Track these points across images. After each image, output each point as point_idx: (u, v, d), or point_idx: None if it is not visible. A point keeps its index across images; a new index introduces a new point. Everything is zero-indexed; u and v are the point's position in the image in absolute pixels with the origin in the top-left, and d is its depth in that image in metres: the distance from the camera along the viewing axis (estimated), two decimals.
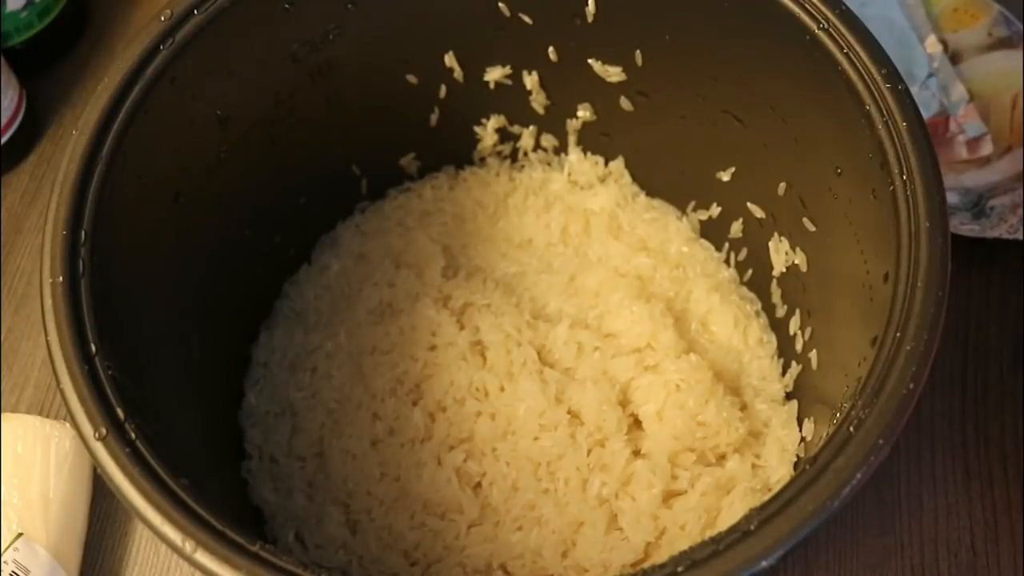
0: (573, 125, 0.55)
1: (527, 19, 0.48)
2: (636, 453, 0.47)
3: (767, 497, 0.32)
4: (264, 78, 0.46)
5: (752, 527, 0.30)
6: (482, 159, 0.58)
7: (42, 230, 0.36)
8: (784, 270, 0.49)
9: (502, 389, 0.48)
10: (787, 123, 0.44)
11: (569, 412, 0.47)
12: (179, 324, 0.44)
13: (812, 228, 0.45)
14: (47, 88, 0.66)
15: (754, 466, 0.47)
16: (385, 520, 0.46)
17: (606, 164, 0.56)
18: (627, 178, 0.56)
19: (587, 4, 0.47)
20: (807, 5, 0.39)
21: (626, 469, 0.46)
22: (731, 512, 0.45)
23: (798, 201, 0.46)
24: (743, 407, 0.49)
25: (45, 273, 0.35)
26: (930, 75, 0.62)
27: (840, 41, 0.38)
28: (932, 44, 0.62)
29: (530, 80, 0.52)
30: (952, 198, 0.56)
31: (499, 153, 0.57)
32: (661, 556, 0.44)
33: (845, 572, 0.49)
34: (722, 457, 0.48)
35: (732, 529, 0.31)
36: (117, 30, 0.69)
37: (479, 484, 0.47)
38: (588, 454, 0.46)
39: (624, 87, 0.51)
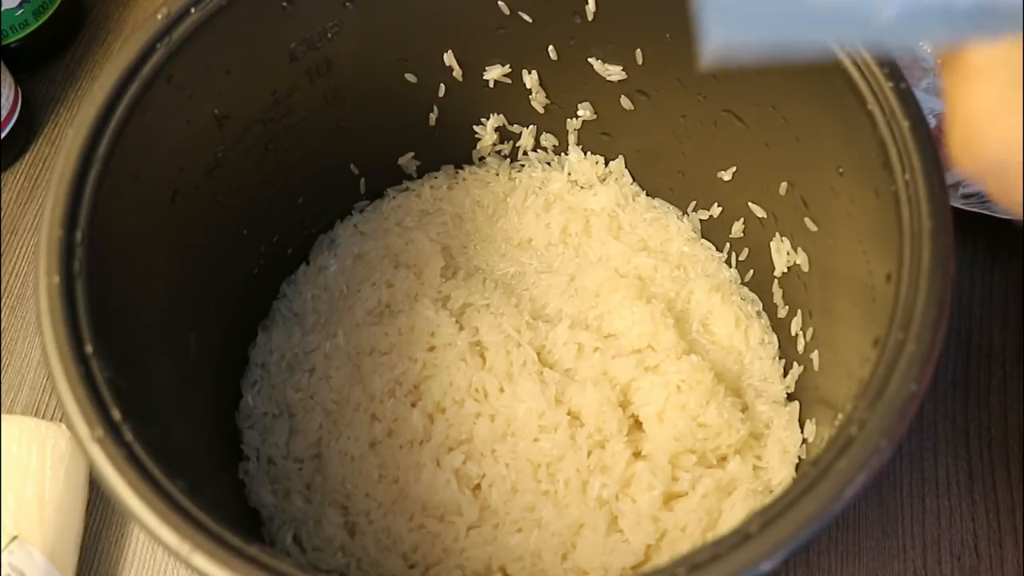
0: (573, 124, 0.54)
1: (527, 17, 0.48)
2: (636, 455, 0.47)
3: (769, 499, 0.31)
4: (262, 77, 0.45)
5: (754, 530, 0.30)
6: (481, 158, 0.57)
7: (38, 230, 0.36)
8: (786, 270, 0.49)
9: (501, 390, 0.48)
10: (788, 122, 0.44)
11: (569, 413, 0.47)
12: (176, 324, 0.44)
13: (814, 228, 0.45)
14: (43, 87, 0.66)
15: (755, 468, 0.47)
16: (384, 522, 0.46)
17: (606, 164, 0.56)
18: (627, 178, 0.56)
19: (587, 2, 0.46)
20: None
21: (626, 471, 0.46)
22: (732, 514, 0.44)
23: (800, 201, 0.46)
24: (744, 408, 0.48)
25: (41, 273, 0.35)
26: (932, 74, 0.62)
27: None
28: None
29: (530, 79, 0.52)
30: (951, 179, 0.55)
31: (498, 152, 0.57)
32: (662, 558, 0.44)
33: (847, 575, 0.49)
34: (723, 459, 0.47)
35: (733, 532, 0.30)
36: (113, 28, 0.69)
37: (478, 486, 0.47)
38: (588, 455, 0.46)
39: (624, 86, 0.50)
